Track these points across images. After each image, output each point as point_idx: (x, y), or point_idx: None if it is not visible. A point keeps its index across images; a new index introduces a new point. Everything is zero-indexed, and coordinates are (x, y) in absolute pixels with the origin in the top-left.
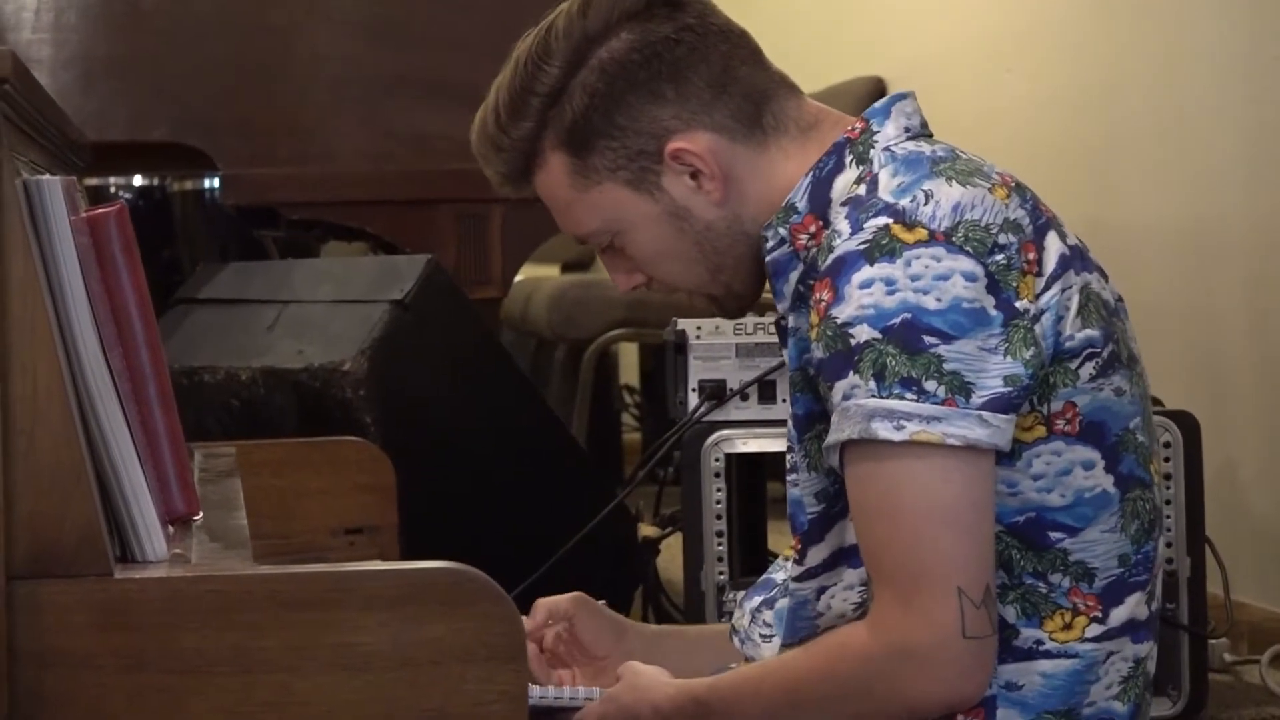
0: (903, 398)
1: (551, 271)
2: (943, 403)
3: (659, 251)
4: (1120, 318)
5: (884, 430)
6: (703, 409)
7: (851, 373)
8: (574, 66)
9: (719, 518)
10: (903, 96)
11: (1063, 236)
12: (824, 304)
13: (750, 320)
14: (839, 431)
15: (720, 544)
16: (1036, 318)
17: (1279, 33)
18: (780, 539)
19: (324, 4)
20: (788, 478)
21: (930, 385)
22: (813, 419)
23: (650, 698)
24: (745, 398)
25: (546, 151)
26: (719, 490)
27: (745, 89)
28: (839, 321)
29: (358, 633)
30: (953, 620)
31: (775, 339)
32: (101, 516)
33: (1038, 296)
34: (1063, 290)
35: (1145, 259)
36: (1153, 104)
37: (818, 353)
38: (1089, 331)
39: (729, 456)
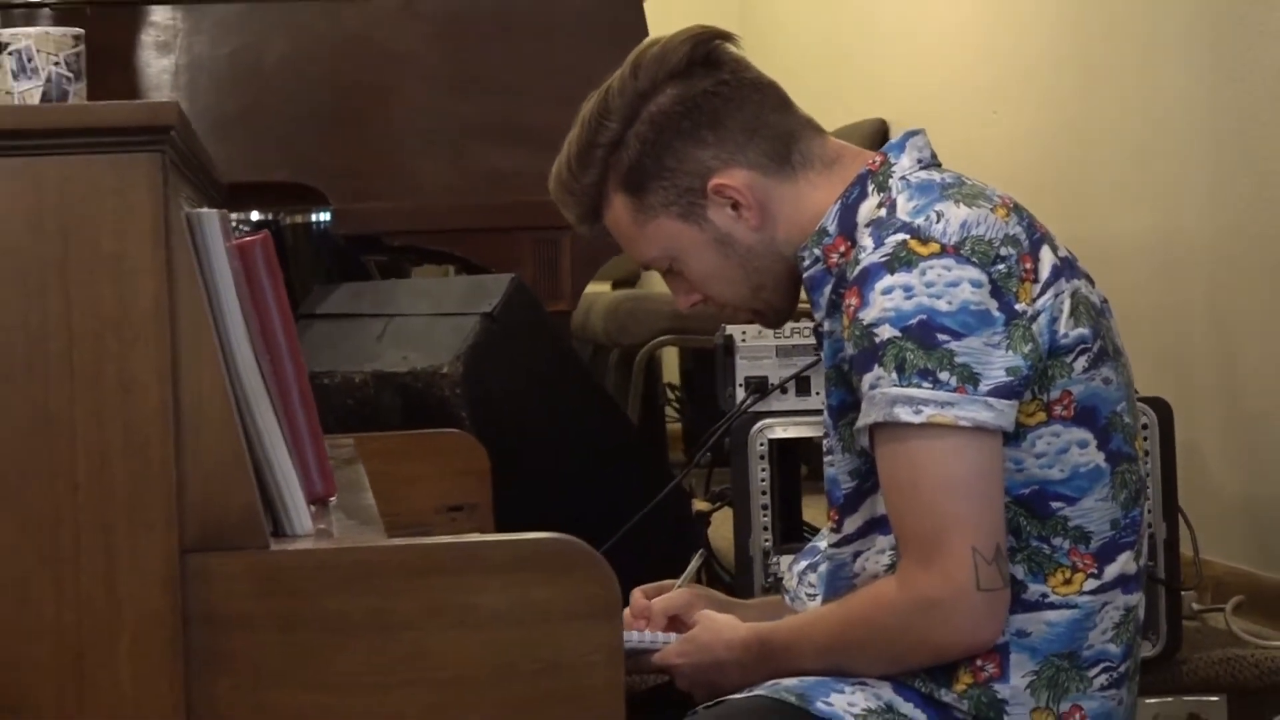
0: (920, 386)
1: (605, 288)
2: (955, 390)
3: (709, 273)
4: (1106, 317)
5: (905, 414)
6: (748, 401)
7: (876, 366)
8: (629, 121)
9: (763, 494)
10: (915, 133)
11: (1054, 249)
12: (852, 308)
13: (788, 325)
14: (867, 416)
15: (765, 516)
16: (1034, 318)
17: (1233, 74)
18: (811, 511)
19: (416, 64)
20: (825, 459)
21: (944, 375)
22: (846, 408)
23: (724, 638)
24: (784, 391)
25: (611, 195)
26: (763, 471)
27: (775, 131)
28: (865, 323)
29: (478, 595)
30: (968, 576)
31: (810, 341)
32: (258, 498)
33: (1034, 300)
34: (1056, 295)
35: (1118, 268)
36: (1121, 135)
37: (848, 350)
38: (1080, 330)
39: (771, 442)
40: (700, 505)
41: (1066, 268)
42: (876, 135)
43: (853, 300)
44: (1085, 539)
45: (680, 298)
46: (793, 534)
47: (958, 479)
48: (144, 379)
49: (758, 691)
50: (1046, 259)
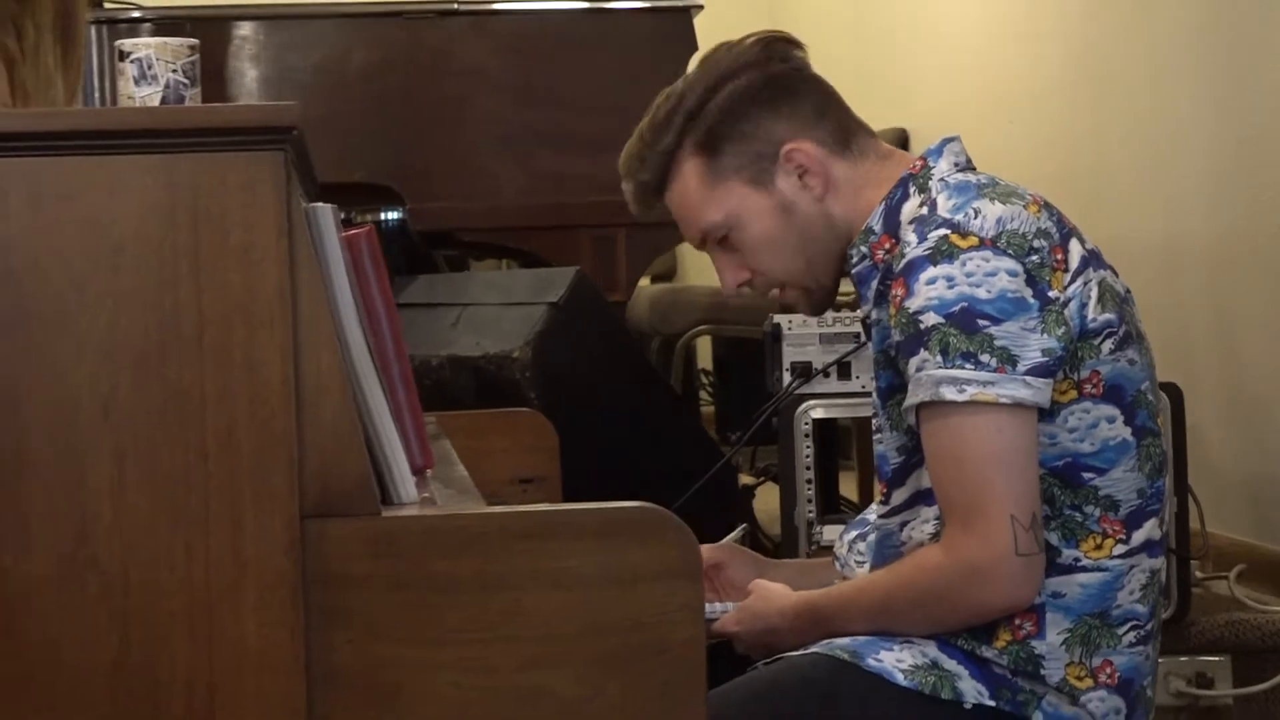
0: (963, 368)
1: (644, 281)
2: (995, 370)
3: (766, 241)
4: (1130, 305)
5: (950, 393)
6: (794, 384)
7: (922, 350)
8: (710, 93)
9: (808, 469)
10: (952, 139)
11: (1082, 242)
12: (899, 298)
13: (830, 315)
14: (915, 396)
15: (809, 490)
16: (1065, 304)
17: (1234, 90)
18: (848, 486)
19: (485, 76)
20: (874, 436)
21: (985, 358)
22: (893, 390)
23: (777, 605)
24: (827, 375)
25: (683, 160)
26: (807, 448)
27: (838, 121)
28: (910, 311)
29: (571, 558)
30: (1008, 542)
31: (851, 329)
32: (371, 469)
33: (1065, 287)
34: (1084, 283)
35: (1128, 268)
36: (1131, 146)
37: (895, 336)
38: (1107, 315)
39: (815, 421)
40: (746, 479)
41: (1093, 259)
42: (897, 144)
43: (898, 290)
44: (1114, 507)
45: (727, 276)
46: (831, 505)
47: (998, 452)
48: (268, 359)
49: (813, 649)
50: (1075, 250)
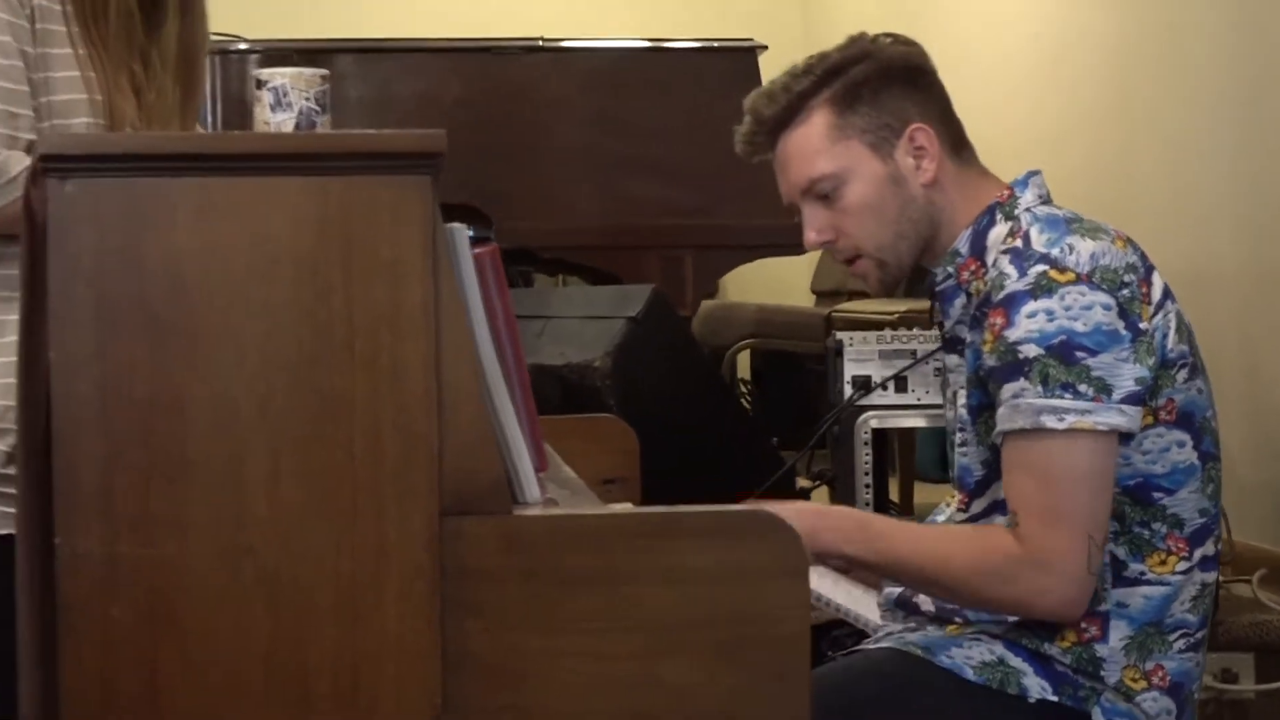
0: (1062, 397)
1: None
2: (1092, 400)
3: (867, 203)
4: (1194, 336)
5: (1050, 421)
6: (855, 396)
7: (1021, 379)
8: (855, 59)
9: (866, 474)
10: (1036, 173)
11: (1159, 276)
12: (998, 327)
13: (888, 332)
14: (1010, 422)
15: (867, 493)
16: (1152, 335)
17: (1258, 126)
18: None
19: (567, 108)
20: (958, 449)
21: (1083, 388)
22: (982, 409)
23: (820, 508)
24: (885, 388)
25: (813, 109)
26: (866, 455)
27: (956, 128)
28: (1010, 341)
29: (687, 556)
30: (1083, 557)
31: (907, 346)
32: (505, 470)
33: (1151, 319)
34: (1165, 315)
35: None
36: (1158, 172)
37: (990, 362)
38: (1182, 346)
39: (873, 430)
40: (803, 482)
41: (1169, 293)
42: None
43: (998, 320)
44: (1180, 525)
45: (813, 231)
46: (881, 507)
47: (1087, 474)
48: (412, 367)
49: (886, 644)
50: (1157, 283)
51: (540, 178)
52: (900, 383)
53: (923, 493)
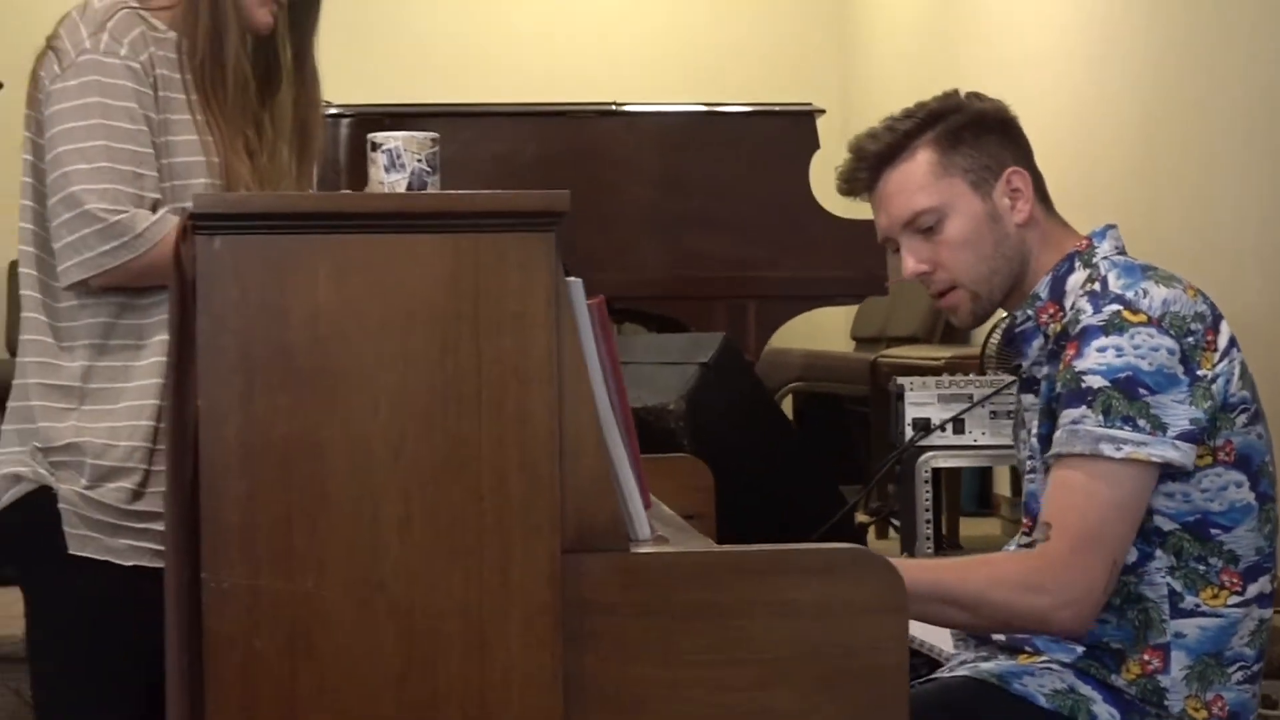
0: (1121, 429)
1: None
2: (1149, 434)
3: (965, 238)
4: (1255, 386)
5: (1108, 449)
6: (916, 437)
7: (1084, 406)
8: (956, 108)
9: (926, 511)
10: (1112, 226)
11: (1227, 325)
12: (1069, 357)
13: (946, 378)
14: (1068, 446)
15: (928, 529)
16: (1213, 380)
17: None
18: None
19: (636, 167)
20: (1026, 477)
21: (1140, 422)
22: (1050, 438)
23: None
24: (944, 430)
25: (918, 147)
26: (927, 493)
27: (1042, 179)
28: (1077, 370)
29: (792, 591)
30: (1103, 580)
31: (964, 390)
32: (622, 509)
33: (1214, 366)
34: (1230, 362)
35: None
36: (1185, 231)
37: (1059, 389)
38: (1244, 392)
39: (934, 470)
40: (862, 518)
41: (1235, 341)
42: None
43: (1070, 351)
44: (1235, 560)
45: (911, 261)
46: (940, 543)
47: (1128, 505)
48: (537, 412)
49: (961, 672)
50: (1224, 332)
51: (612, 233)
52: (958, 424)
53: (965, 526)
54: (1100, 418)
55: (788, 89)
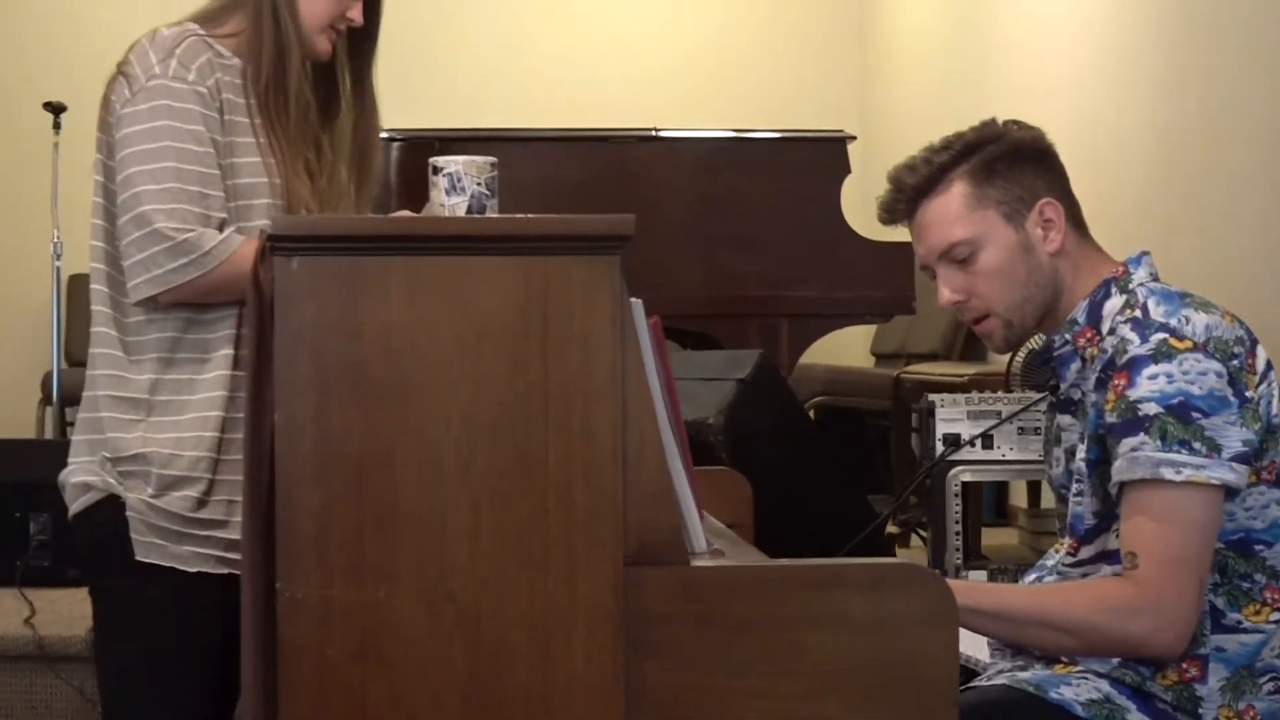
0: (1179, 453)
1: None
2: (1205, 456)
3: (998, 267)
4: None
5: (1168, 473)
6: (946, 452)
7: (1141, 434)
8: (992, 139)
9: (956, 523)
10: (1146, 253)
11: (1262, 349)
12: (1121, 387)
13: (975, 395)
14: (1129, 473)
15: (957, 540)
16: (1257, 403)
17: None
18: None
19: (674, 190)
20: (1073, 499)
21: (1197, 445)
22: (1099, 463)
23: None
24: (974, 445)
25: (953, 180)
26: (956, 507)
27: (1077, 208)
28: (1131, 399)
29: (847, 605)
30: (1196, 601)
31: (993, 407)
32: (683, 523)
33: (1257, 388)
34: (1269, 385)
35: None
36: (1199, 254)
37: (1111, 419)
38: None
39: (963, 484)
40: (891, 529)
41: (1271, 365)
42: None
43: (1120, 381)
44: (1277, 576)
45: (947, 290)
46: (969, 553)
47: (1204, 525)
48: (601, 428)
49: (999, 681)
50: (1261, 356)
51: (651, 252)
52: (987, 440)
53: (983, 536)
54: (1158, 443)
55: (812, 114)
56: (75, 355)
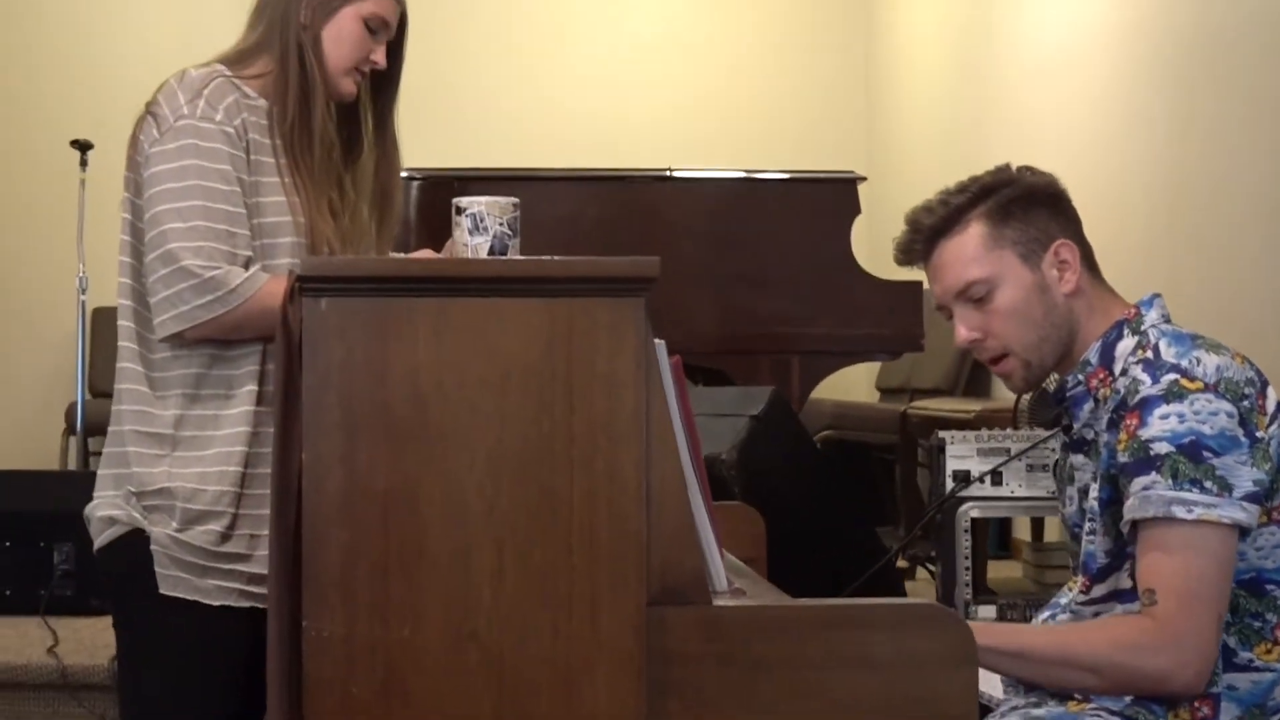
0: (1191, 491)
1: None
2: (1216, 495)
3: (1015, 307)
4: None
5: (1180, 512)
6: (956, 488)
7: (1153, 473)
8: (1007, 182)
9: (966, 558)
10: (1158, 295)
11: (1273, 391)
12: (1133, 427)
13: (985, 432)
14: (1141, 511)
15: (967, 575)
16: (1268, 443)
17: None
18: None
19: (688, 229)
20: (1086, 537)
21: (1208, 484)
22: (1111, 503)
23: None
24: (983, 482)
25: (970, 221)
26: (966, 542)
27: (1090, 250)
28: (1143, 439)
29: (868, 645)
30: (1214, 636)
31: (1002, 445)
32: (705, 564)
33: (1267, 429)
34: (1279, 426)
35: None
36: (1205, 292)
37: (1123, 458)
38: None
39: (973, 520)
40: (901, 564)
41: None
42: None
43: (1133, 421)
44: None
45: (964, 329)
46: (980, 589)
47: (1220, 563)
48: (625, 469)
49: (1010, 718)
50: (1271, 397)
51: (666, 290)
52: (996, 476)
53: (995, 569)
54: (1170, 481)
55: (820, 154)
56: (99, 386)
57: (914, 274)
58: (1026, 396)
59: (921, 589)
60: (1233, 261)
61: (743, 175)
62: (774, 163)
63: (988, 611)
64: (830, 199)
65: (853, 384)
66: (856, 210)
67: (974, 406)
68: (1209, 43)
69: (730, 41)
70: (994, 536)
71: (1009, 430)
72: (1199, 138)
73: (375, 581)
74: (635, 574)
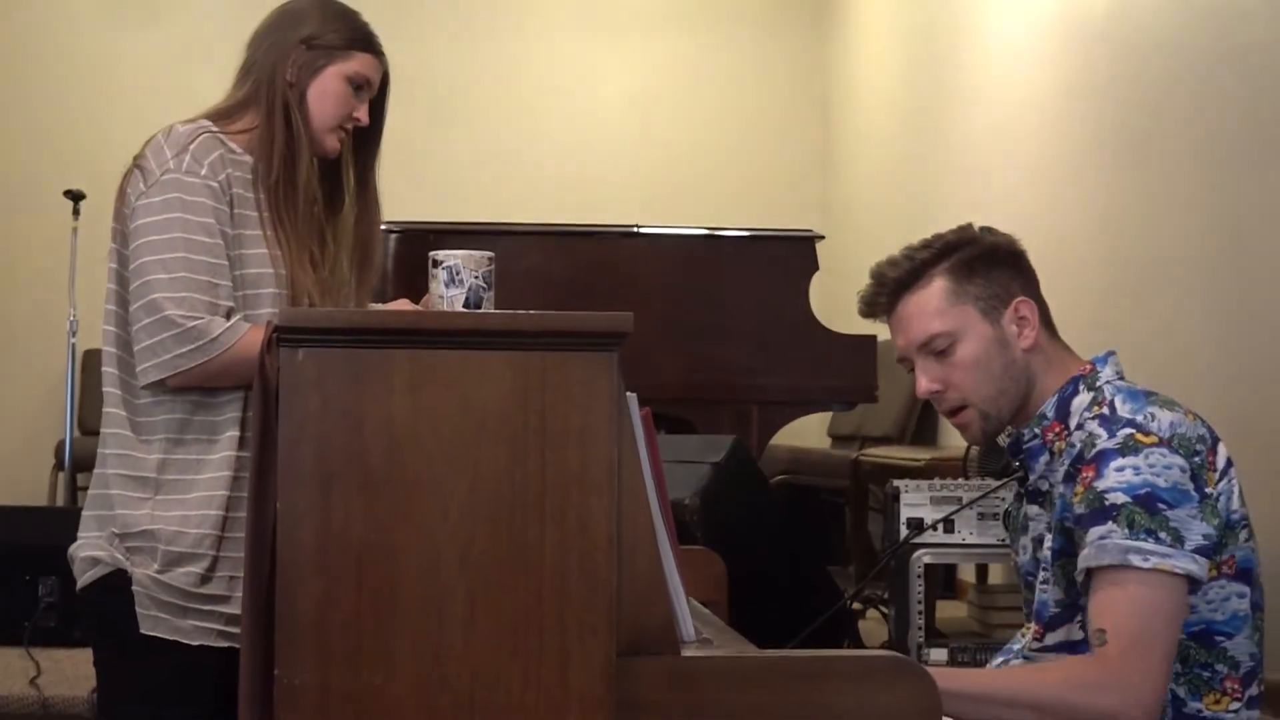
0: (1146, 541)
1: None
2: (1170, 546)
3: (975, 360)
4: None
5: (1136, 560)
6: (910, 535)
7: (1109, 523)
8: (970, 241)
9: (919, 602)
10: (1113, 353)
11: (1224, 447)
12: (1088, 479)
13: (938, 481)
14: (1096, 560)
15: (920, 619)
16: (1217, 499)
17: (1245, 293)
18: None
19: (654, 283)
20: (1039, 586)
21: (1162, 535)
22: (1064, 553)
23: None
24: (935, 529)
25: (934, 276)
26: (919, 587)
27: (1047, 309)
28: (1099, 489)
29: (834, 695)
30: (1163, 678)
31: (955, 494)
32: (674, 614)
33: (1216, 484)
34: (1228, 482)
35: None
36: (1146, 349)
37: (1079, 509)
38: (1241, 510)
39: (925, 565)
40: (855, 605)
41: (1231, 462)
42: None
43: (1088, 474)
44: (1237, 666)
45: (924, 380)
46: (932, 633)
47: (1170, 613)
48: (597, 520)
49: None
50: (1222, 453)
51: (633, 341)
52: (949, 524)
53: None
54: (1126, 531)
55: (778, 210)
56: (88, 425)
57: (870, 327)
58: (975, 448)
59: (873, 628)
60: (1173, 324)
61: (706, 232)
62: (736, 220)
63: (940, 654)
64: (790, 255)
65: (806, 430)
66: (815, 266)
67: (923, 455)
68: (1152, 109)
69: (695, 105)
70: (940, 578)
71: (960, 480)
72: (1140, 197)
73: (348, 631)
74: (605, 624)
